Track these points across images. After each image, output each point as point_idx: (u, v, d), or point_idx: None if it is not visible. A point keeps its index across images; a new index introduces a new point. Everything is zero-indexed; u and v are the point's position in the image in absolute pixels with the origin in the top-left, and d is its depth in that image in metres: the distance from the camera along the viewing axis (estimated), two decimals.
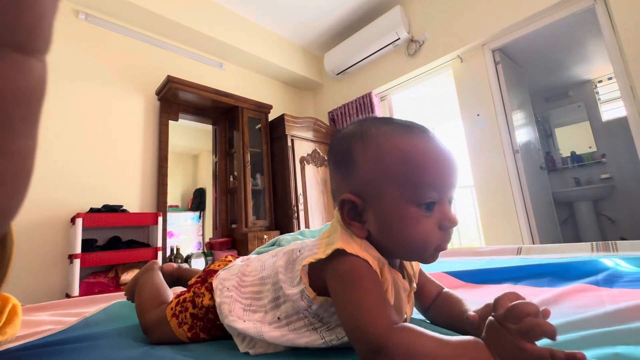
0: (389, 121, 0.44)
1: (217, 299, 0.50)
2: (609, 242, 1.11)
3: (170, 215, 2.63)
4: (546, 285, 0.62)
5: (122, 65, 2.45)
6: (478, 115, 2.73)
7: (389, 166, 0.41)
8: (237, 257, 0.63)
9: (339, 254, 0.40)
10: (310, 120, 3.20)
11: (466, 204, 3.70)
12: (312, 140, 3.19)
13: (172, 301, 0.57)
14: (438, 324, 0.48)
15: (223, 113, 3.00)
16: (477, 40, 2.64)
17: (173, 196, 3.00)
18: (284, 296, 0.45)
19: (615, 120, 3.37)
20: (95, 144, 2.22)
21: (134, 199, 2.35)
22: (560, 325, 0.42)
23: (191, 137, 3.31)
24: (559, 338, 0.39)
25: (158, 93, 2.58)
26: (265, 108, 3.08)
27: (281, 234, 2.85)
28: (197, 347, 0.49)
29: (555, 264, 0.72)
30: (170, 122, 2.65)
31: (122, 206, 2.15)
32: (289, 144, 2.98)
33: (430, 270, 0.83)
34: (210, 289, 0.53)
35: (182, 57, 2.84)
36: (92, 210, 1.99)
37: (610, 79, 3.41)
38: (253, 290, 0.48)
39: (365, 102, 3.30)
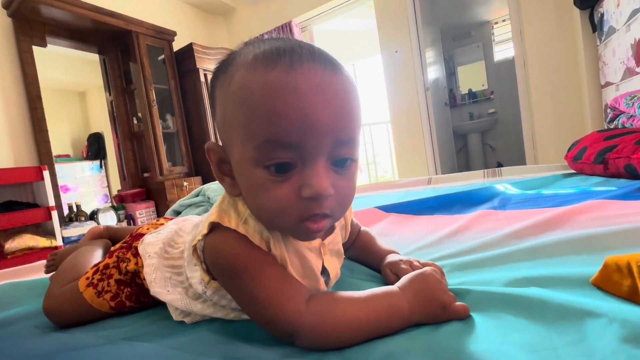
0: (263, 45, 0.31)
1: (144, 268, 0.44)
2: (496, 169, 1.36)
3: (60, 167, 2.21)
4: (456, 213, 0.72)
5: None
6: (396, 52, 2.79)
7: (232, 111, 0.31)
8: (170, 219, 0.55)
9: (214, 228, 0.34)
10: (224, 52, 2.84)
11: (382, 139, 4.00)
12: None
13: (87, 271, 0.49)
14: (356, 261, 0.52)
15: (111, 39, 2.43)
16: None
17: (60, 144, 2.50)
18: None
19: (504, 60, 3.84)
20: None
21: (2, 151, 1.87)
22: (472, 248, 0.50)
23: (72, 69, 2.67)
24: (471, 257, 0.46)
25: (7, 6, 1.92)
26: (167, 35, 2.60)
27: (203, 179, 2.69)
28: (119, 323, 0.43)
29: (461, 193, 0.84)
30: (37, 49, 2.05)
31: None
32: (202, 79, 2.65)
33: (363, 206, 0.88)
34: (136, 254, 0.47)
35: None
36: None
37: (504, 20, 3.76)
38: (174, 264, 0.42)
39: (285, 33, 3.04)
